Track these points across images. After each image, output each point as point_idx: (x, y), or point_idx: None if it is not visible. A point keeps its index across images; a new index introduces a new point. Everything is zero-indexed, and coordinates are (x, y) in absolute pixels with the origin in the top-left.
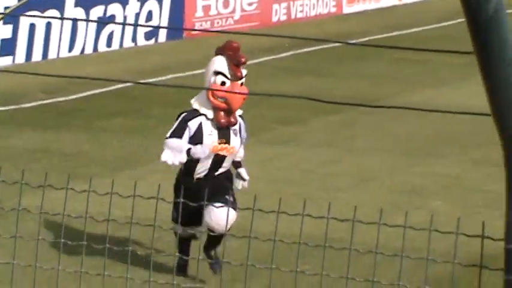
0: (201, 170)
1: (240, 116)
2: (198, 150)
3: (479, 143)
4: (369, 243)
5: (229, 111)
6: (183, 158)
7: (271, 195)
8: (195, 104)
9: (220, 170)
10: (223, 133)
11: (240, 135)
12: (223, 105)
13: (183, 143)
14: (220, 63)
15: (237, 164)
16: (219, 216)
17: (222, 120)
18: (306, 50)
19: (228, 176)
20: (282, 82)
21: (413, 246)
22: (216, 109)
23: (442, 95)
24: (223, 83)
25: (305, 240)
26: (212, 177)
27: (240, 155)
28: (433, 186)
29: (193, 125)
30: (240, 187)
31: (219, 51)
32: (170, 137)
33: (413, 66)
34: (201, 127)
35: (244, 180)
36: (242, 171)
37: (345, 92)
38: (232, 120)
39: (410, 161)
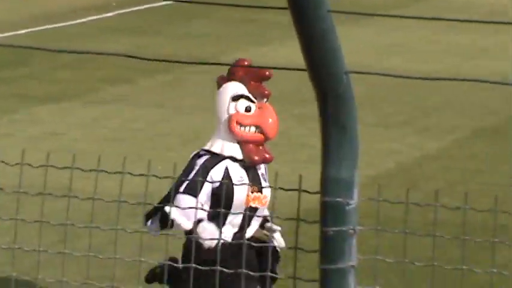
0: (228, 231)
1: None
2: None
3: (304, 99)
4: None
5: (262, 143)
6: (189, 225)
7: (97, 154)
8: (213, 147)
9: (249, 231)
10: (254, 178)
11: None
12: (255, 135)
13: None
14: (235, 86)
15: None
16: None
17: (256, 158)
18: (133, 9)
19: (255, 247)
20: (108, 41)
21: None
22: (244, 143)
23: (268, 53)
24: (248, 109)
25: (134, 200)
26: (239, 244)
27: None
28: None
29: (216, 174)
30: (281, 244)
31: (227, 79)
32: (184, 192)
33: (240, 25)
34: (229, 174)
35: (275, 231)
36: (270, 224)
37: (173, 51)
38: (268, 155)
39: None
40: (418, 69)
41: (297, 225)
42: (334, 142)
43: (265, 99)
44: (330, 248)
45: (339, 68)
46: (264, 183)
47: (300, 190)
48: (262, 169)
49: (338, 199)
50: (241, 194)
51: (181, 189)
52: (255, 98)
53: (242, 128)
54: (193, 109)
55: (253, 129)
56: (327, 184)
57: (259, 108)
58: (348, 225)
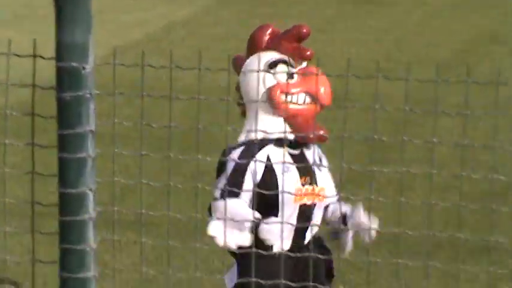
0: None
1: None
2: (270, 229)
3: None
4: None
5: (314, 115)
6: (245, 240)
7: None
8: (249, 134)
9: (309, 235)
10: (304, 167)
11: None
12: (308, 106)
13: (245, 209)
14: (266, 54)
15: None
16: None
17: (311, 135)
18: None
19: (322, 246)
20: None
21: None
22: (292, 118)
23: None
24: (290, 76)
25: None
26: (300, 251)
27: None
28: (5, 15)
29: (258, 165)
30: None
31: (249, 53)
32: (222, 197)
33: None
34: (271, 164)
35: (363, 225)
36: (352, 210)
37: None
38: (323, 132)
39: None
40: None
41: (32, 92)
42: (67, 5)
43: (306, 63)
44: (67, 114)
45: None
46: (319, 173)
47: (34, 56)
48: (312, 153)
49: (73, 64)
50: (289, 187)
51: (217, 194)
52: (299, 58)
53: (289, 98)
54: None
55: (302, 97)
56: (61, 49)
57: (303, 73)
58: (85, 89)
